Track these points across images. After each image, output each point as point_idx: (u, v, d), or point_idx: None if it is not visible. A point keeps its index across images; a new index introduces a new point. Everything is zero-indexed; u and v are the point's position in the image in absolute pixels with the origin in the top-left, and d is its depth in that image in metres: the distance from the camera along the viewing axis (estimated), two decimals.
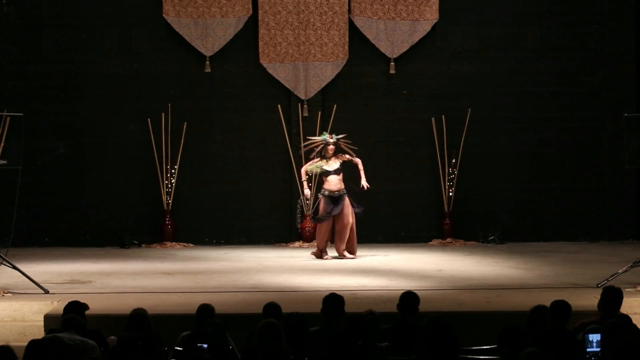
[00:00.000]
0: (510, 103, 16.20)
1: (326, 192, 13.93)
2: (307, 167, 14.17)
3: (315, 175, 14.97)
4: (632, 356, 6.04)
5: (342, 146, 14.08)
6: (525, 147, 16.20)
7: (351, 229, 13.94)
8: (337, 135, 14.15)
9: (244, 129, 16.16)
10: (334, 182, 13.89)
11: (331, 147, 13.96)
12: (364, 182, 14.08)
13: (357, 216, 14.08)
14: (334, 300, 8.01)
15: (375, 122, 16.14)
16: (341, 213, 13.81)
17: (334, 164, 13.96)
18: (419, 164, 16.18)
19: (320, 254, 14.07)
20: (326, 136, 14.13)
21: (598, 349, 6.91)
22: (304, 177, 14.24)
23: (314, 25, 15.94)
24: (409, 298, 8.02)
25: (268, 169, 16.13)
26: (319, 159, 14.03)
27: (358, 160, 14.08)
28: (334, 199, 13.86)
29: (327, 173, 13.95)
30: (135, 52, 16.04)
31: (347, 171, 14.17)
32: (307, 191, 14.41)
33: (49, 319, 9.38)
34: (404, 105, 16.21)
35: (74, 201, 15.95)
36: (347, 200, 13.90)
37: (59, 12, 15.94)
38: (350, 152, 14.08)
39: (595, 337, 6.94)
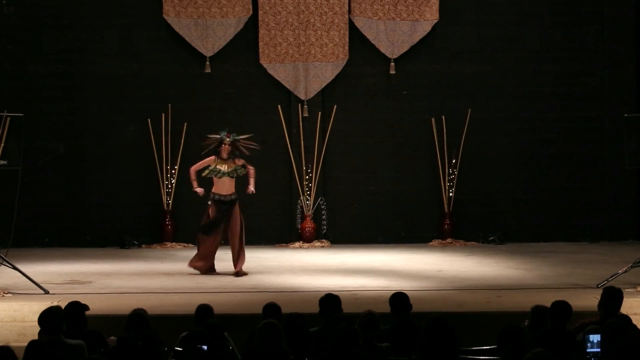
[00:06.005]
0: (510, 103, 16.19)
1: (216, 197, 12.50)
2: (197, 168, 12.73)
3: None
4: (631, 357, 6.04)
5: (241, 148, 12.71)
6: (525, 147, 16.19)
7: (239, 241, 12.45)
8: (237, 135, 12.73)
9: (244, 129, 16.10)
10: (226, 186, 12.50)
11: (226, 147, 12.53)
12: (251, 187, 12.70)
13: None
14: (330, 300, 8.00)
15: (375, 122, 16.13)
16: (229, 221, 12.44)
17: (228, 166, 12.53)
18: (419, 164, 16.16)
19: (205, 269, 12.54)
20: (223, 134, 12.62)
21: (598, 350, 6.92)
22: (193, 176, 12.75)
23: (314, 25, 15.93)
24: (397, 299, 8.03)
25: (268, 169, 16.11)
26: (214, 162, 12.57)
27: (251, 168, 12.73)
28: (224, 203, 12.47)
29: (221, 174, 12.52)
30: (135, 53, 16.04)
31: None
32: (199, 189, 12.74)
33: None
34: (404, 105, 16.20)
35: (74, 201, 15.94)
36: (237, 208, 12.46)
37: (59, 12, 15.94)
38: (244, 154, 12.72)
39: (595, 338, 6.95)
